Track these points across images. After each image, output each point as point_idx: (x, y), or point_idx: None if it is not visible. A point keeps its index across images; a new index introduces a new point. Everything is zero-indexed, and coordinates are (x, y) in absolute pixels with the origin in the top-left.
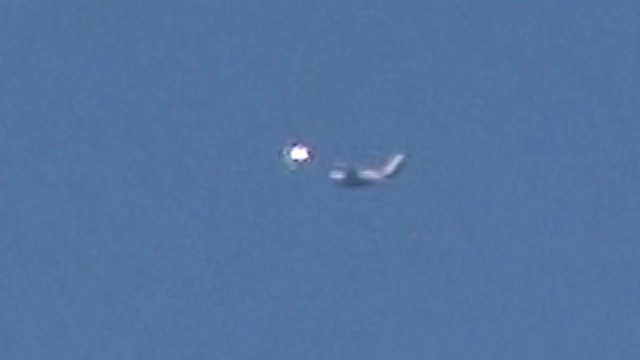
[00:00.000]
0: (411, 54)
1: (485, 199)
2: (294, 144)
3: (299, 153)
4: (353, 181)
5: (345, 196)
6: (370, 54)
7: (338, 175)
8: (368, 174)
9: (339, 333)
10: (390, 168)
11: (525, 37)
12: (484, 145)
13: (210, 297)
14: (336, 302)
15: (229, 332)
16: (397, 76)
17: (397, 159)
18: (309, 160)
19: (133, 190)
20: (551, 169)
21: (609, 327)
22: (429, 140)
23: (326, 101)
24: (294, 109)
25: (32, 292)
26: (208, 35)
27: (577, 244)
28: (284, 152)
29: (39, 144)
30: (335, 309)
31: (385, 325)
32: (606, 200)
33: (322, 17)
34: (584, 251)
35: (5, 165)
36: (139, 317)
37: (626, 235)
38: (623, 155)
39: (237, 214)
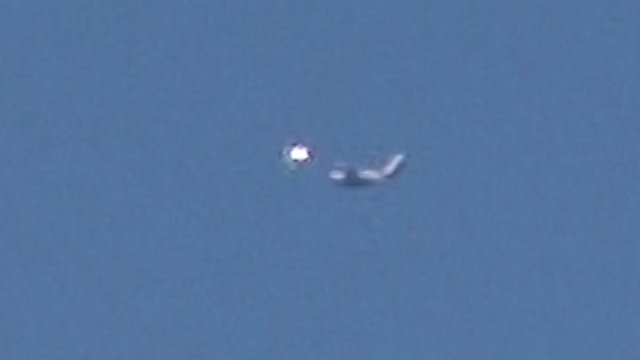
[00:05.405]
0: (411, 54)
1: (485, 199)
2: (294, 144)
3: (299, 153)
4: (353, 181)
5: (345, 196)
6: (370, 54)
7: (338, 175)
8: (368, 174)
9: (339, 333)
10: (390, 168)
11: (525, 37)
12: (484, 145)
13: (210, 297)
14: (336, 302)
15: (229, 332)
16: (397, 76)
17: (397, 159)
18: (309, 160)
19: (133, 190)
20: (551, 169)
21: (609, 327)
22: (429, 140)
23: (326, 101)
24: (294, 109)
25: (32, 292)
26: (208, 35)
27: (577, 244)
28: (284, 152)
29: (39, 144)
30: (335, 309)
31: (385, 325)
32: (606, 200)
33: (322, 17)
34: (584, 251)
35: (5, 165)
36: (139, 317)
37: (626, 235)
38: (623, 155)
39: (237, 214)
